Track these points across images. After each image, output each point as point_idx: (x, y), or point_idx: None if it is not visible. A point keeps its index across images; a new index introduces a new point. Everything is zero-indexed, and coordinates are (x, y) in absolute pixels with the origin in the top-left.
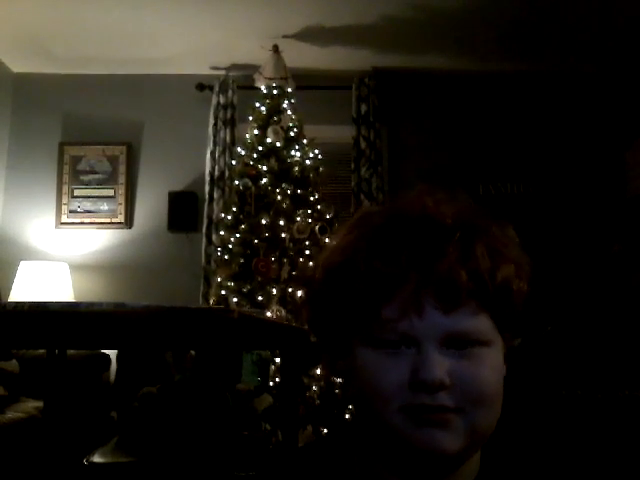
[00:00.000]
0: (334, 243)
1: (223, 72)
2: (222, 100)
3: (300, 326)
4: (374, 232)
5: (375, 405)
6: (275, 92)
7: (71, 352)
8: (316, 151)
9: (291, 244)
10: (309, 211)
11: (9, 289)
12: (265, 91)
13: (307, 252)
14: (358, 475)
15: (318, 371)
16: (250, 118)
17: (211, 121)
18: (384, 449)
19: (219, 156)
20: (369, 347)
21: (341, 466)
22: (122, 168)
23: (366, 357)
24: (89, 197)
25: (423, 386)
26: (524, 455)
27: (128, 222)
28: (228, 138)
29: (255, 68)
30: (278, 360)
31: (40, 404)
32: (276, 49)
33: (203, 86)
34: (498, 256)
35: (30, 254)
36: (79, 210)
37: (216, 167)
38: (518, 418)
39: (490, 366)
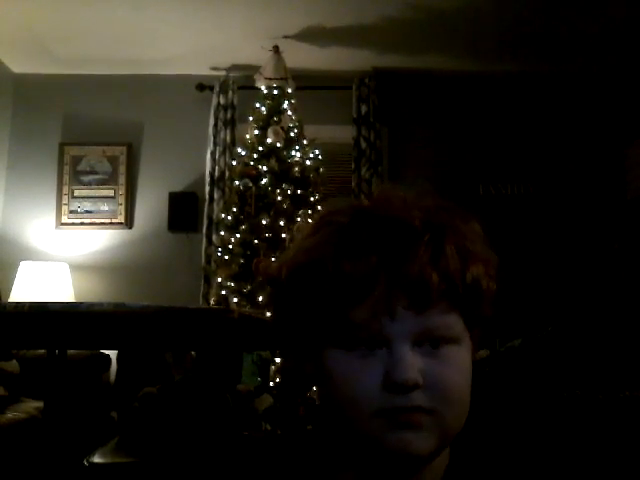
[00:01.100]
0: (298, 242)
1: (223, 72)
2: (222, 100)
3: None
4: (341, 232)
5: (348, 410)
6: (275, 92)
7: (71, 352)
8: (316, 151)
9: (291, 245)
10: (309, 211)
11: (9, 289)
12: (265, 91)
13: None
14: (320, 476)
15: None
16: (250, 118)
17: (211, 121)
18: (354, 452)
19: (219, 156)
20: (338, 349)
21: (300, 467)
22: (122, 168)
23: (336, 360)
24: (89, 197)
25: (397, 387)
26: (511, 451)
27: (128, 222)
28: (228, 138)
29: (255, 68)
30: (278, 360)
31: (40, 404)
32: (276, 49)
33: (203, 86)
34: (467, 256)
35: (30, 254)
36: (79, 210)
37: (216, 167)
38: (514, 416)
39: (459, 365)
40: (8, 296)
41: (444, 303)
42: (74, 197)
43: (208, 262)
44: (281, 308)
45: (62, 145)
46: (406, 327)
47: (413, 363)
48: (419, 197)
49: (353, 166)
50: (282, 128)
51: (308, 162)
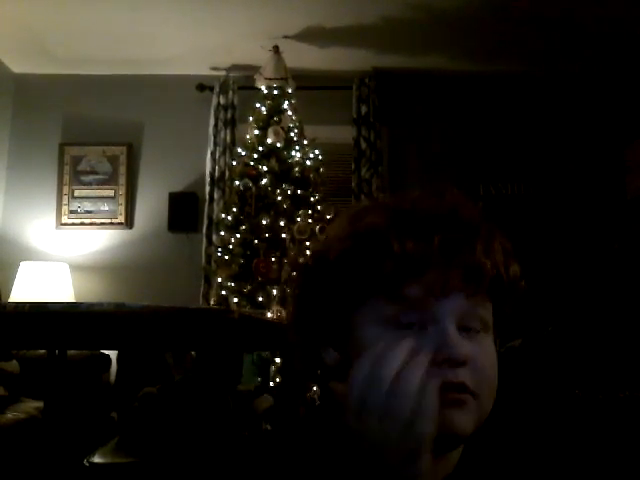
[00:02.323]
0: (336, 232)
1: (223, 72)
2: (222, 100)
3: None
4: (400, 219)
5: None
6: (275, 92)
7: (71, 352)
8: (316, 152)
9: (292, 245)
10: (309, 212)
11: (9, 290)
12: (265, 91)
13: (308, 253)
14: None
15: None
16: (250, 119)
17: (211, 121)
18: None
19: (219, 156)
20: (382, 327)
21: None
22: (122, 169)
23: (380, 338)
24: (89, 198)
25: (448, 362)
26: (512, 451)
27: (128, 222)
28: (228, 138)
29: (255, 69)
30: (278, 360)
31: (40, 404)
32: (276, 49)
33: (203, 86)
34: (509, 254)
35: (30, 255)
36: (79, 211)
37: (216, 167)
38: (514, 416)
39: (491, 352)
40: (8, 296)
41: (486, 292)
42: (74, 197)
43: (208, 262)
44: (318, 294)
45: (62, 145)
46: (456, 307)
47: (462, 340)
48: (470, 201)
49: (353, 166)
50: (282, 128)
51: (308, 162)
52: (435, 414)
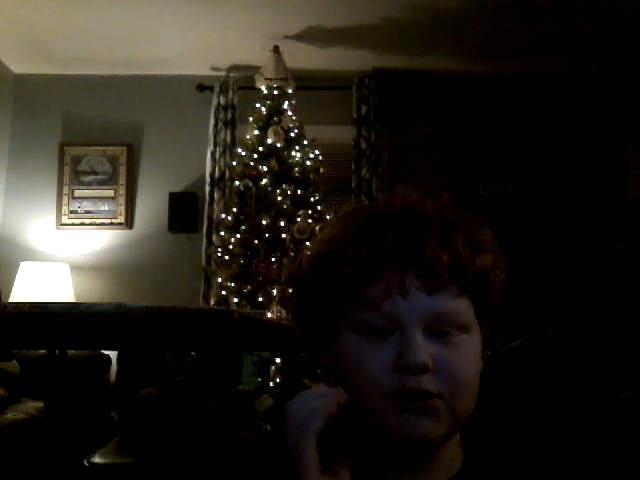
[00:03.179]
0: (319, 239)
1: (223, 73)
2: (222, 101)
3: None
4: (359, 223)
5: (360, 392)
6: (275, 93)
7: (71, 353)
8: (316, 152)
9: (292, 245)
10: (310, 212)
11: (9, 290)
12: (265, 92)
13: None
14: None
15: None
16: (250, 119)
17: (211, 122)
18: (366, 436)
19: (219, 157)
20: (354, 333)
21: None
22: (122, 169)
23: (350, 343)
24: (90, 198)
25: (408, 368)
26: (514, 452)
27: (128, 223)
28: (228, 139)
29: (256, 69)
30: (278, 360)
31: (40, 405)
32: (276, 50)
33: (203, 87)
34: (476, 246)
35: (31, 255)
36: (79, 211)
37: (216, 168)
38: (515, 416)
39: (469, 354)
40: (8, 296)
41: (455, 287)
42: (74, 197)
43: (208, 262)
44: (302, 297)
45: (62, 145)
46: (418, 309)
47: (424, 347)
48: (433, 197)
49: (353, 166)
50: (282, 128)
51: (308, 162)
52: (314, 441)
